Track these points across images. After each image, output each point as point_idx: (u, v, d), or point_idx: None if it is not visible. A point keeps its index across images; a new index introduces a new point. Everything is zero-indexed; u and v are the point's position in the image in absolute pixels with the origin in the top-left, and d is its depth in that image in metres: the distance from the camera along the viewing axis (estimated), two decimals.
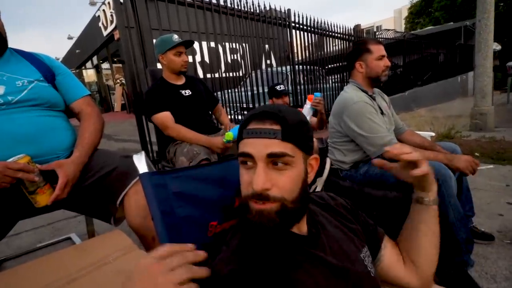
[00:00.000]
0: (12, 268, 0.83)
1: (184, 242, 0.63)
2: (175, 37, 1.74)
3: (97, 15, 9.87)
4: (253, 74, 3.69)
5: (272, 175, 0.53)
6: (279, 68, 4.23)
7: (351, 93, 1.47)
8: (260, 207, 0.52)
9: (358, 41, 1.52)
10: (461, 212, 1.21)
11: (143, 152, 0.62)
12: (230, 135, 1.48)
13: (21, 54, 1.14)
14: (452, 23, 12.69)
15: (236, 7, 3.26)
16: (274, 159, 0.53)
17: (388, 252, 0.71)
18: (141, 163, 0.60)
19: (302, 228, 0.61)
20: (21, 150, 0.95)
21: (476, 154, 3.08)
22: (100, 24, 9.76)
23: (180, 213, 0.63)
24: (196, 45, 2.97)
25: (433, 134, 2.14)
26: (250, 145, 0.54)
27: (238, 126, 1.48)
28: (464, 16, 14.38)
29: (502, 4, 14.20)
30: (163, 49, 1.73)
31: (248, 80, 3.70)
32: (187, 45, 1.81)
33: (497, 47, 7.19)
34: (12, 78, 1.03)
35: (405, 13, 23.85)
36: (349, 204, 0.75)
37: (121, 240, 0.92)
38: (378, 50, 1.45)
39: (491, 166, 1.63)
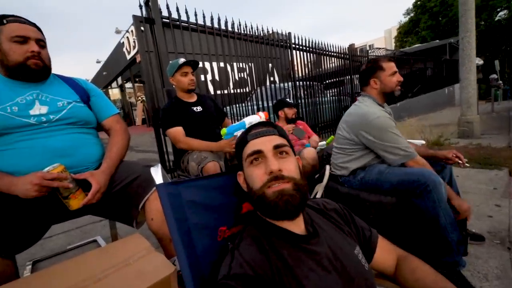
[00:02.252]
0: (44, 269, 0.83)
1: (196, 246, 0.63)
2: (181, 60, 1.77)
3: (121, 41, 10.13)
4: (259, 90, 3.72)
5: (280, 162, 0.60)
6: (281, 84, 4.27)
7: (370, 107, 1.40)
8: (279, 187, 0.57)
9: (371, 59, 1.48)
10: (452, 216, 1.17)
11: (159, 165, 0.63)
12: (224, 130, 1.47)
13: (62, 79, 1.18)
14: (437, 40, 12.64)
15: (242, 31, 3.33)
16: (278, 149, 0.61)
17: (379, 253, 0.72)
18: (157, 174, 0.61)
19: (301, 227, 0.62)
20: (58, 162, 0.98)
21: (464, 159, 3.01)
22: (124, 49, 10.01)
23: (192, 219, 0.64)
24: (207, 65, 3.03)
25: (423, 142, 2.10)
26: (257, 144, 0.62)
27: (231, 125, 1.48)
28: (448, 34, 14.35)
29: (482, 23, 14.15)
30: (172, 72, 1.77)
31: (254, 96, 3.73)
32: (193, 66, 1.82)
33: (480, 61, 7.10)
34: (54, 99, 1.07)
35: (394, 33, 23.88)
36: (341, 209, 0.74)
37: (141, 243, 0.91)
38: (390, 67, 1.42)
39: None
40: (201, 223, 0.65)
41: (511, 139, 3.93)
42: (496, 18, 14.40)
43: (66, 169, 0.95)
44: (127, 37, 9.43)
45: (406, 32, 19.59)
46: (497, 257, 1.33)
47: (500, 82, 8.29)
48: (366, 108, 1.40)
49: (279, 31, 3.98)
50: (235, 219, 0.70)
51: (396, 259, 0.71)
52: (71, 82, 1.19)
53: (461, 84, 4.36)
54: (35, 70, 1.02)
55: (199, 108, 1.82)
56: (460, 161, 1.36)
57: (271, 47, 3.88)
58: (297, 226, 0.61)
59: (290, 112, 2.47)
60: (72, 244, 1.61)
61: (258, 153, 0.61)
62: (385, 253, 0.71)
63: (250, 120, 1.34)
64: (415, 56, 9.00)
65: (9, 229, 0.88)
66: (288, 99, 2.56)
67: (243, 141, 0.65)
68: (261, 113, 1.33)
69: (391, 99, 1.49)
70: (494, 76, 7.95)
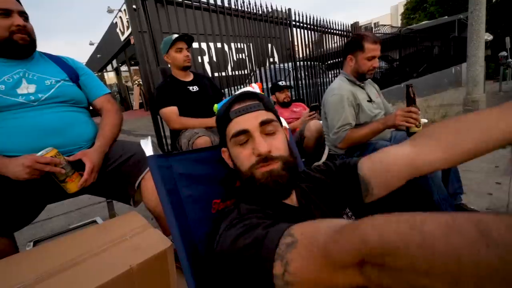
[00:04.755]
0: (43, 244, 0.86)
1: (189, 218, 0.65)
2: (174, 35, 1.74)
3: (114, 21, 9.87)
4: (258, 72, 3.66)
5: (268, 140, 0.57)
6: (282, 65, 4.18)
7: (335, 84, 1.47)
8: (268, 168, 0.55)
9: (357, 34, 1.45)
10: (445, 192, 1.19)
11: (149, 137, 0.63)
12: (215, 106, 1.48)
13: (49, 57, 1.17)
14: (446, 17, 12.20)
15: (240, 8, 3.22)
16: (265, 126, 0.57)
17: (368, 162, 0.63)
18: (147, 147, 0.61)
19: (293, 199, 0.62)
20: (49, 141, 0.99)
21: None
22: (117, 30, 9.78)
23: (185, 192, 0.64)
24: (204, 46, 2.97)
25: (426, 120, 2.09)
26: (242, 122, 0.57)
27: (223, 100, 1.48)
28: (458, 9, 13.82)
29: None
30: (166, 49, 1.74)
31: (253, 77, 3.68)
32: (188, 42, 1.78)
33: (489, 37, 6.89)
34: (41, 78, 1.06)
35: (401, 9, 23.06)
36: (324, 165, 0.72)
37: (137, 220, 0.94)
38: (371, 50, 1.40)
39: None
40: (194, 196, 0.66)
41: None
42: None
43: (59, 153, 0.95)
44: (120, 17, 9.19)
45: (413, 8, 18.88)
46: None
47: (510, 60, 8.06)
48: (333, 85, 1.48)
49: (279, 8, 3.86)
50: (229, 192, 0.71)
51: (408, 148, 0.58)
52: (58, 61, 1.17)
53: (468, 61, 4.25)
54: (23, 46, 1.01)
55: (195, 88, 1.79)
56: None
57: (271, 26, 3.77)
58: (290, 199, 0.61)
59: (281, 96, 2.42)
60: (72, 225, 1.66)
61: (244, 133, 0.57)
62: (369, 162, 0.63)
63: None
64: (422, 34, 8.74)
65: (4, 208, 0.90)
66: (281, 82, 2.47)
67: (225, 118, 0.60)
68: (254, 85, 1.31)
69: (363, 79, 1.51)
70: (504, 53, 7.73)
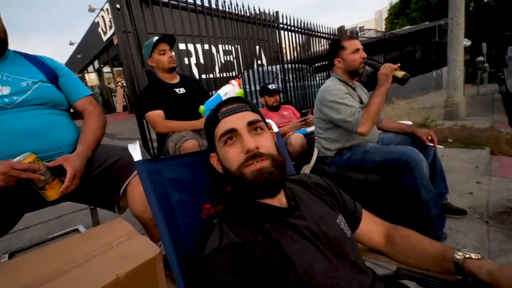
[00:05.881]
0: (22, 255, 0.82)
1: (180, 224, 0.64)
2: (155, 38, 1.71)
3: (96, 21, 9.63)
4: (246, 74, 3.67)
5: (256, 139, 0.58)
6: (270, 67, 4.22)
7: (328, 83, 1.50)
8: (258, 166, 0.56)
9: (333, 40, 1.54)
10: (433, 192, 1.24)
11: (137, 141, 0.62)
12: (201, 108, 1.47)
13: (25, 57, 1.11)
14: (427, 22, 12.75)
15: (227, 10, 3.22)
16: (252, 125, 0.60)
17: (365, 223, 0.74)
18: (135, 152, 0.60)
19: (282, 201, 0.62)
20: (27, 144, 0.94)
21: (449, 140, 3.13)
22: (99, 30, 9.54)
23: (174, 197, 0.64)
24: (191, 47, 2.95)
25: (410, 123, 2.17)
26: (229, 122, 0.59)
27: (208, 100, 1.45)
28: (438, 16, 14.48)
29: (472, 4, 14.38)
30: (148, 53, 1.71)
31: (241, 80, 3.68)
32: (170, 42, 1.76)
33: (467, 42, 7.27)
34: (17, 79, 1.01)
35: (385, 14, 23.90)
36: (325, 181, 0.76)
37: (123, 227, 0.91)
38: (352, 45, 1.47)
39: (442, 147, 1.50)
40: (184, 201, 0.65)
41: (494, 120, 4.10)
42: (486, 0, 14.61)
43: (38, 158, 0.91)
44: (102, 16, 8.98)
45: (396, 14, 19.66)
46: (476, 230, 1.42)
47: (487, 65, 8.52)
48: (326, 83, 1.51)
49: (266, 11, 3.89)
50: (219, 197, 0.71)
51: (384, 230, 0.72)
52: (35, 60, 1.12)
53: (449, 66, 4.46)
54: None
55: (182, 90, 1.77)
56: (431, 144, 1.41)
57: (258, 28, 3.80)
58: (279, 201, 0.62)
59: (270, 99, 2.44)
60: (52, 234, 1.59)
61: (232, 131, 0.58)
62: (371, 223, 0.73)
63: (224, 91, 1.33)
64: (405, 38, 9.07)
65: None
66: (271, 86, 2.48)
67: (213, 120, 0.62)
68: (233, 81, 1.31)
69: (357, 76, 1.56)
70: (481, 58, 8.16)
